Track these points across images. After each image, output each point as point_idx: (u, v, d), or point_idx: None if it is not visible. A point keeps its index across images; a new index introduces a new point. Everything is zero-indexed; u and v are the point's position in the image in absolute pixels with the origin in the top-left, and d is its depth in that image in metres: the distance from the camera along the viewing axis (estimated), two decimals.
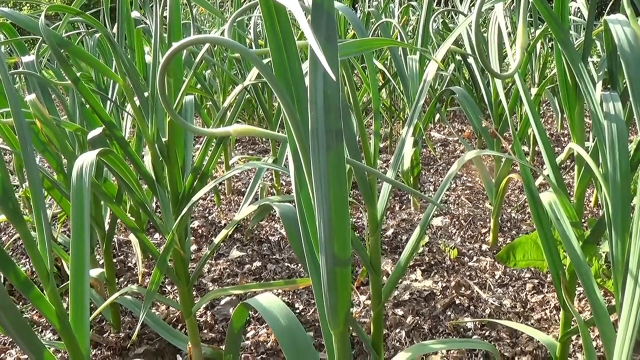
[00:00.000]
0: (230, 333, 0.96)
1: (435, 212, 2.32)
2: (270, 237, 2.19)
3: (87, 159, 1.00)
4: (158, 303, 1.75)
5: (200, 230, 2.27)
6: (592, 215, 2.30)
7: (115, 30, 1.63)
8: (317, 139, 0.52)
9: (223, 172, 2.63)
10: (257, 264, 1.98)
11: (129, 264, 2.02)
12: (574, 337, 1.46)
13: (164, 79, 0.51)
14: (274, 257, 2.04)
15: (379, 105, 1.16)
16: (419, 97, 1.11)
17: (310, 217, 0.65)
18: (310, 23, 0.52)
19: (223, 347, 1.55)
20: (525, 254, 1.54)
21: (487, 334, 1.57)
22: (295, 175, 0.65)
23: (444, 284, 1.82)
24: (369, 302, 1.71)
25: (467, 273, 1.88)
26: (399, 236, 2.16)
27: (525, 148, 2.81)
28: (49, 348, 1.21)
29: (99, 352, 1.53)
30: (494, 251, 2.01)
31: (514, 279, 1.84)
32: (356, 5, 4.23)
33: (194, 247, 2.15)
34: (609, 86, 1.13)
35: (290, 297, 1.79)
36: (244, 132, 0.54)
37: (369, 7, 3.39)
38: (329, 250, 0.57)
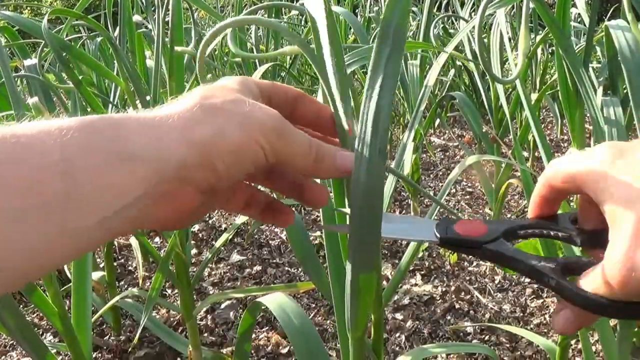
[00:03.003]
0: (241, 333, 0.97)
1: (436, 217, 2.32)
2: (270, 242, 2.19)
3: None
4: (159, 306, 1.75)
5: (200, 234, 2.28)
6: None
7: (116, 34, 1.64)
8: (362, 150, 0.50)
9: None
10: (258, 268, 1.99)
11: (130, 268, 2.03)
12: (573, 342, 1.47)
13: (203, 62, 0.51)
14: (274, 261, 2.05)
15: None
16: (420, 103, 1.12)
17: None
18: (378, 35, 0.51)
19: (223, 350, 1.55)
20: None
21: (486, 338, 1.57)
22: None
23: (443, 289, 1.82)
24: None
25: (467, 278, 1.89)
26: (399, 241, 2.16)
27: (526, 153, 2.81)
28: (51, 349, 1.21)
29: (100, 355, 1.53)
30: None
31: (513, 283, 1.84)
32: (357, 11, 4.24)
33: (194, 251, 2.15)
34: (609, 91, 1.13)
35: None
36: None
37: (369, 12, 3.40)
38: (357, 257, 0.56)
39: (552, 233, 0.39)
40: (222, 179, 0.38)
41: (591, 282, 0.33)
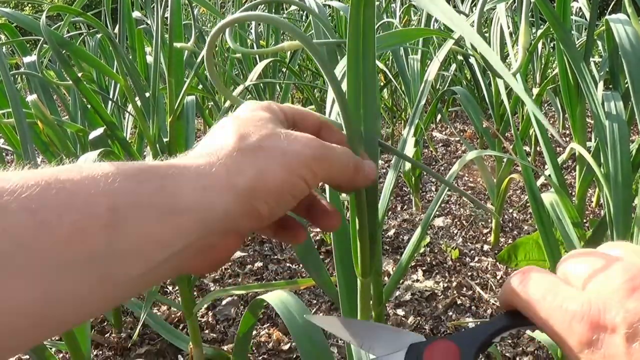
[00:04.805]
0: (241, 330, 0.96)
1: (437, 213, 2.32)
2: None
3: (88, 160, 1.00)
4: (159, 303, 1.75)
5: None
6: (594, 215, 2.30)
7: (116, 30, 1.63)
8: None
9: None
10: (259, 264, 1.98)
11: None
12: None
13: (212, 58, 0.49)
14: (276, 257, 2.04)
15: (380, 105, 1.16)
16: (420, 97, 1.11)
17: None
18: None
19: (224, 347, 1.55)
20: (527, 254, 1.53)
21: None
22: None
23: (445, 284, 1.82)
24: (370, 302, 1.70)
25: (469, 273, 1.88)
26: (401, 236, 2.16)
27: (527, 148, 2.81)
28: (50, 348, 1.21)
29: (101, 352, 1.53)
30: (496, 251, 2.01)
31: None
32: None
33: None
34: (610, 86, 1.13)
35: None
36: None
37: None
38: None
39: (529, 326, 0.37)
40: (264, 221, 0.38)
41: None
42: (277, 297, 0.85)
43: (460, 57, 2.67)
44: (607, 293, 0.29)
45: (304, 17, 3.65)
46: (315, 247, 0.85)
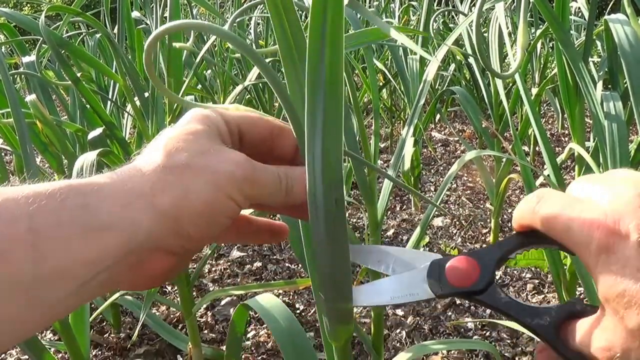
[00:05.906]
0: (232, 334, 0.96)
1: (436, 212, 2.31)
2: None
3: (87, 160, 1.00)
4: (158, 303, 1.75)
5: None
6: None
7: (115, 30, 1.63)
8: (316, 207, 0.41)
9: None
10: (258, 264, 1.98)
11: None
12: None
13: (151, 58, 0.47)
14: (275, 257, 2.04)
15: (378, 106, 1.16)
16: (419, 97, 1.11)
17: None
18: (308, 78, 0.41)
19: (223, 347, 1.55)
20: (526, 253, 1.53)
21: (487, 334, 1.57)
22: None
23: None
24: None
25: None
26: (400, 236, 2.16)
27: (526, 148, 2.81)
28: (50, 348, 1.21)
29: (100, 352, 1.53)
30: None
31: (514, 279, 1.84)
32: None
33: None
34: (609, 86, 1.13)
35: (291, 297, 1.79)
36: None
37: (369, 7, 3.39)
38: (330, 318, 0.52)
39: (540, 245, 0.39)
40: (195, 240, 0.37)
41: (587, 342, 0.34)
42: (260, 302, 0.84)
43: (459, 57, 2.67)
44: (621, 205, 0.32)
45: (303, 17, 3.65)
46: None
